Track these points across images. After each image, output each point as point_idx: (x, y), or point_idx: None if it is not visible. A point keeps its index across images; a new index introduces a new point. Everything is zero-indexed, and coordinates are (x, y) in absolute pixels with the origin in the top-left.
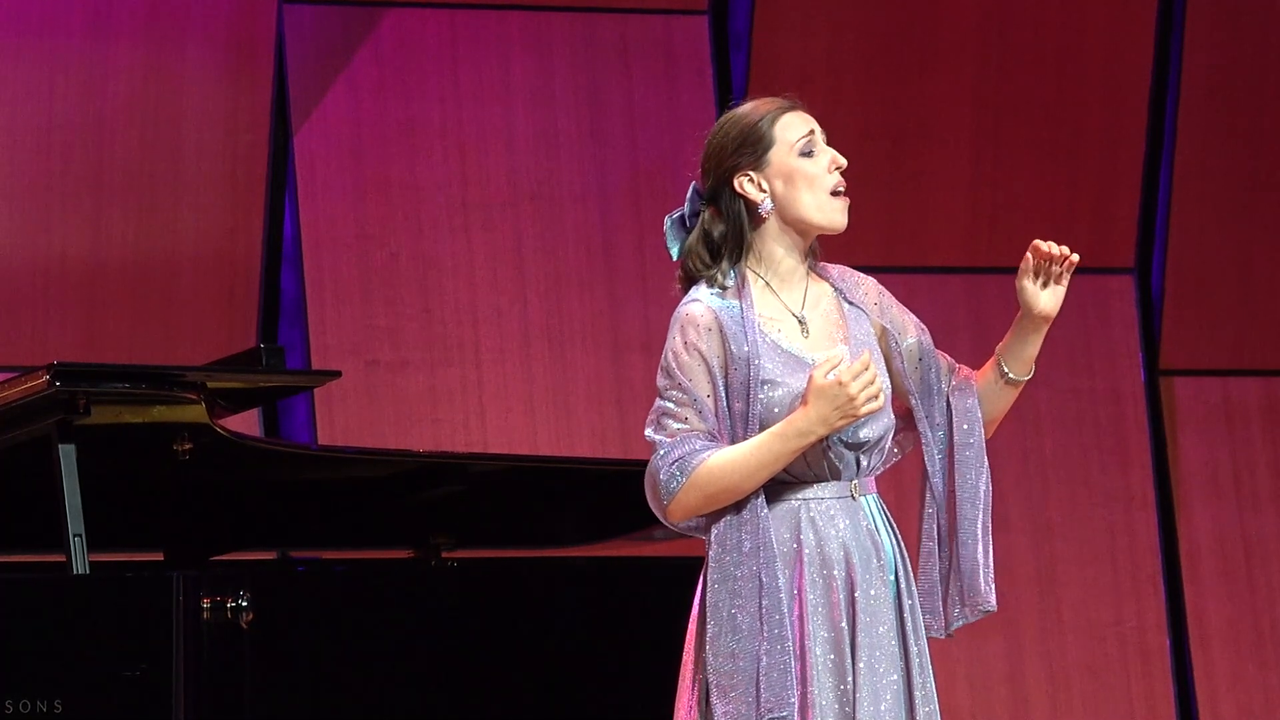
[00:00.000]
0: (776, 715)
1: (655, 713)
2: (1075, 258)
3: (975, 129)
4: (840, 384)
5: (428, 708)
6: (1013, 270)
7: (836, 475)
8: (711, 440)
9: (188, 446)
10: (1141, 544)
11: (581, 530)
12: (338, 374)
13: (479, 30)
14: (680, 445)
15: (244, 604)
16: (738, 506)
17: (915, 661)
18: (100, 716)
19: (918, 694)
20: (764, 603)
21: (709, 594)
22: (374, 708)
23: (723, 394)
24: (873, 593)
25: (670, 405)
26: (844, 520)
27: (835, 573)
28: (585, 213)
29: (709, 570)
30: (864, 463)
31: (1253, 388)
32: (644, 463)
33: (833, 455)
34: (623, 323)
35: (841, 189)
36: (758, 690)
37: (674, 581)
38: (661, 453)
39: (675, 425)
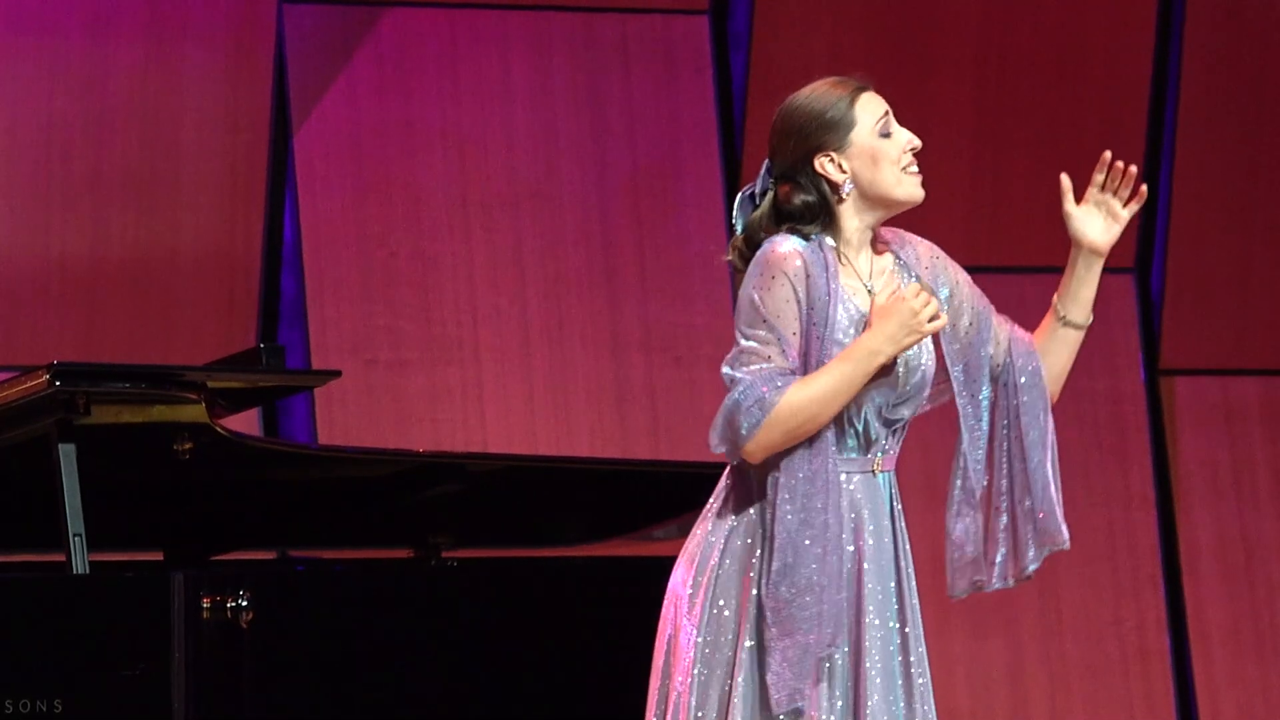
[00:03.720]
0: (833, 650)
1: None
2: (1144, 189)
3: (975, 129)
4: (903, 299)
5: (428, 707)
6: (1013, 270)
7: (865, 449)
8: (791, 377)
9: (188, 446)
10: (1141, 544)
11: (581, 530)
12: (338, 374)
13: (479, 30)
14: (761, 383)
15: (244, 604)
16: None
17: (914, 653)
18: (100, 716)
19: (917, 684)
20: (828, 534)
21: (778, 526)
22: (374, 707)
23: (805, 333)
24: (877, 582)
25: (754, 345)
26: (865, 500)
27: (854, 546)
28: (585, 213)
29: (779, 498)
30: (892, 440)
31: (1253, 388)
32: (644, 462)
33: (864, 428)
34: (623, 323)
35: (914, 169)
36: (821, 624)
37: None
38: (741, 389)
39: (757, 363)
